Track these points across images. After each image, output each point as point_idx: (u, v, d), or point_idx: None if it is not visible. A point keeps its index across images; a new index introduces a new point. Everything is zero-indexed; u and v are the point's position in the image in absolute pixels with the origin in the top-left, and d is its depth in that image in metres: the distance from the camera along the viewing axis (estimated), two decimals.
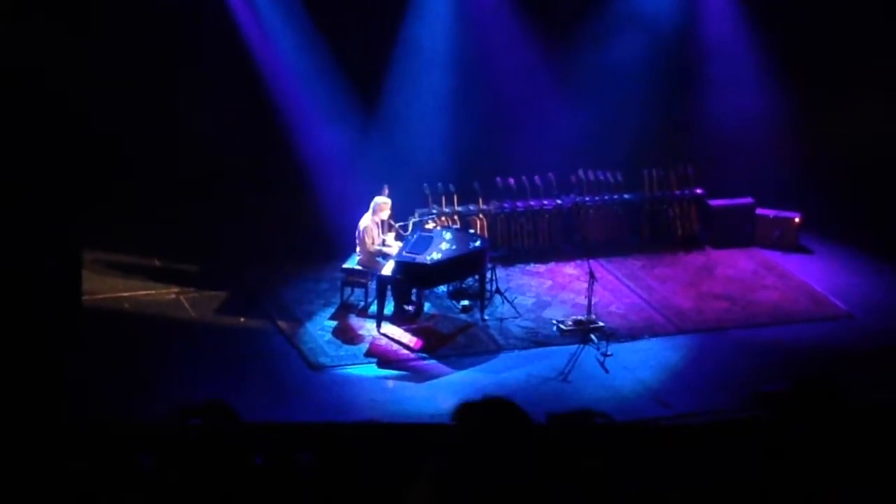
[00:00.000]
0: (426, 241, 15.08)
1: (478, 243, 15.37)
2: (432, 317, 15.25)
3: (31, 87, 12.96)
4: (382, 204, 15.21)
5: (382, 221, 15.33)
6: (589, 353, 14.40)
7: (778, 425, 5.04)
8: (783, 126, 17.98)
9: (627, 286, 16.19)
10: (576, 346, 14.52)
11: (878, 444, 5.21)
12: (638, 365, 14.26)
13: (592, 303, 14.88)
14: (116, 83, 15.83)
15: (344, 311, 15.21)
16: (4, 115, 13.01)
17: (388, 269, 14.79)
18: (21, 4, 13.04)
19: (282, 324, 14.93)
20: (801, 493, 4.96)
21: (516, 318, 15.24)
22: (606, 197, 17.32)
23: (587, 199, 17.22)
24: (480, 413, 4.54)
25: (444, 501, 4.47)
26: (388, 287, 14.84)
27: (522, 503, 4.41)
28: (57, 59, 13.09)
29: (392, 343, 14.63)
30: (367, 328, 14.87)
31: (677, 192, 17.56)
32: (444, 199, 16.48)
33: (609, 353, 14.34)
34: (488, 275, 15.41)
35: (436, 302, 15.52)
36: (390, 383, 13.95)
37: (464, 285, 15.59)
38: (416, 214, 16.10)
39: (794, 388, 5.07)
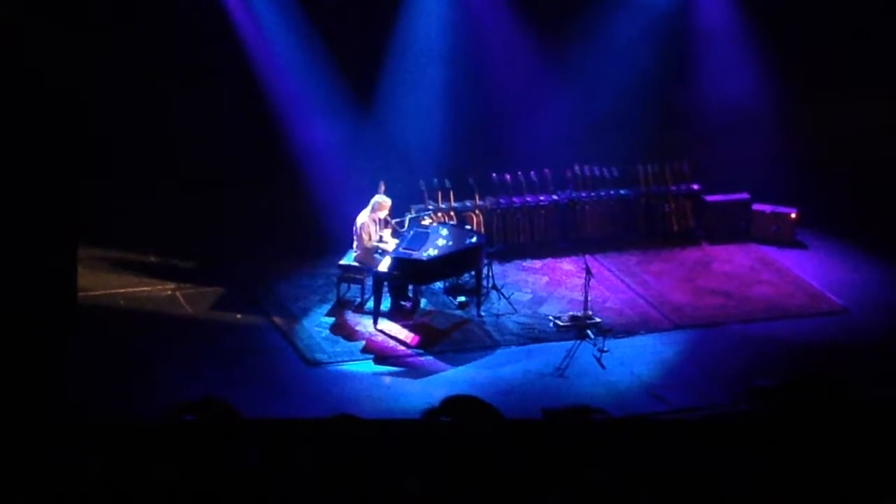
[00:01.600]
0: (422, 238, 15.07)
1: (474, 239, 15.36)
2: (429, 313, 15.25)
3: (30, 85, 12.94)
4: (383, 203, 15.18)
5: (380, 218, 15.33)
6: (585, 349, 14.41)
7: (771, 419, 5.06)
8: (780, 121, 17.99)
9: (623, 282, 16.19)
10: (572, 341, 14.54)
11: (872, 437, 5.23)
12: (634, 360, 14.27)
13: (588, 298, 14.89)
14: (113, 81, 15.81)
15: (340, 307, 15.19)
16: (3, 113, 13.00)
17: (384, 265, 14.79)
18: (21, 3, 13.02)
19: (278, 320, 14.92)
20: (796, 486, 4.97)
21: (512, 314, 15.24)
22: (602, 192, 17.31)
23: (583, 194, 17.22)
24: (445, 413, 4.55)
25: (433, 497, 4.49)
26: (385, 283, 14.84)
27: (507, 495, 4.43)
28: (56, 57, 13.06)
29: (388, 339, 14.62)
30: (364, 324, 14.86)
31: (673, 187, 17.55)
32: (439, 195, 16.46)
33: (605, 348, 14.35)
34: (484, 271, 15.41)
35: (432, 298, 15.51)
36: (387, 379, 13.95)
37: (460, 281, 15.59)
38: (413, 210, 16.09)
39: (787, 383, 5.08)
